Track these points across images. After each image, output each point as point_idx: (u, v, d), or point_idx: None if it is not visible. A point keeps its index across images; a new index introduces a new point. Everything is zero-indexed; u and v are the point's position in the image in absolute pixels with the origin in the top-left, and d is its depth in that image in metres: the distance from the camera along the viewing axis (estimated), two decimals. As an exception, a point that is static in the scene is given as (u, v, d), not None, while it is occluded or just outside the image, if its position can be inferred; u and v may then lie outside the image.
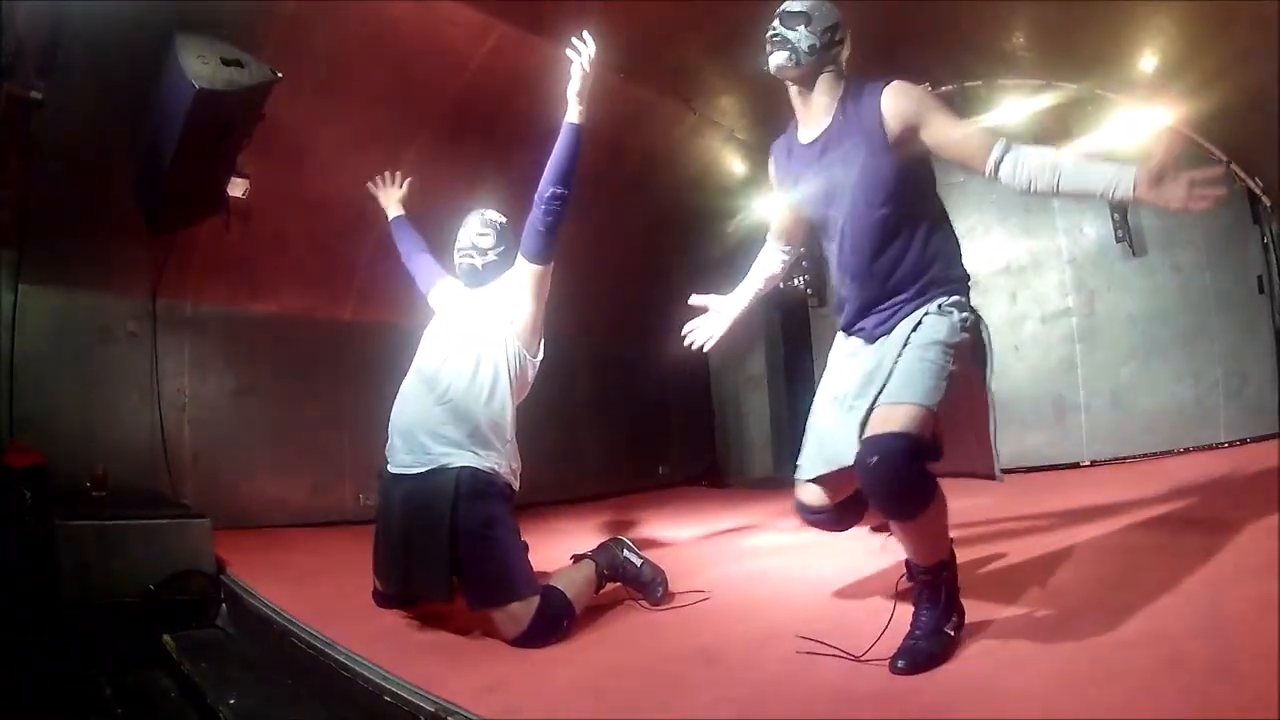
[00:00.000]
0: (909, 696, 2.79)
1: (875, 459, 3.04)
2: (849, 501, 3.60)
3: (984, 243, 8.95)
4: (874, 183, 3.32)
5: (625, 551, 4.44)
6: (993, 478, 3.75)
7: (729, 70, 7.76)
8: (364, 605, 4.34)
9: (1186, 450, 7.52)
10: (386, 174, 5.34)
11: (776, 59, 3.44)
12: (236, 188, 6.51)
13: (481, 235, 4.42)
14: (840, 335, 3.67)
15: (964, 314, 3.35)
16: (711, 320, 4.07)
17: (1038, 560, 4.32)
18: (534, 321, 4.19)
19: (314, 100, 6.71)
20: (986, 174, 3.20)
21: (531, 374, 4.27)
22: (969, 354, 3.38)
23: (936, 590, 3.22)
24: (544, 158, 3.95)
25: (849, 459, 3.26)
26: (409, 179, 5.34)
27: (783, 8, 3.51)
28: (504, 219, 4.53)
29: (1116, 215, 8.00)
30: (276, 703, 3.89)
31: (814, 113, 3.52)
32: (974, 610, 3.38)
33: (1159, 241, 7.94)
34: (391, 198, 5.27)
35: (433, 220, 4.80)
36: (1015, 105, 8.17)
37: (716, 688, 3.15)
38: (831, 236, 3.54)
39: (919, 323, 3.29)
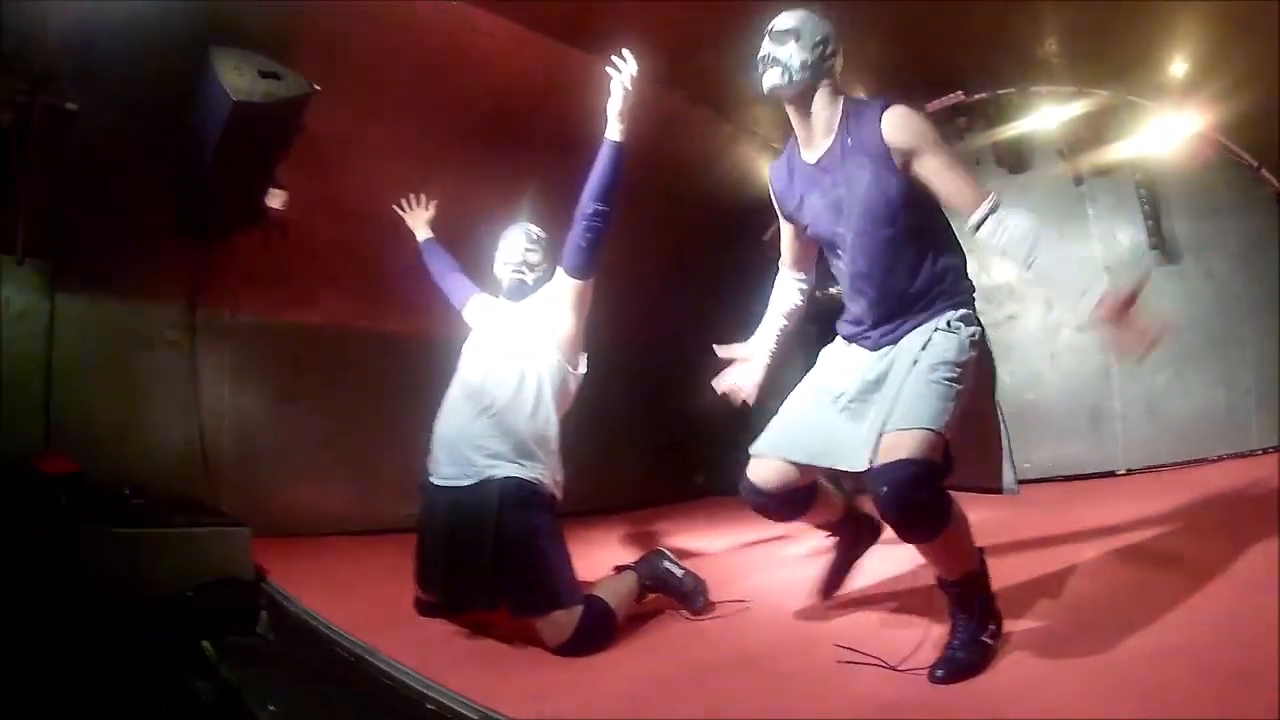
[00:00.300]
0: (946, 707, 2.81)
1: (887, 487, 3.03)
2: (797, 495, 3.67)
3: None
4: (880, 202, 3.32)
5: (666, 562, 4.46)
6: (999, 491, 3.56)
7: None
8: (405, 613, 4.34)
9: (1220, 458, 7.44)
10: (412, 197, 5.38)
11: (769, 79, 3.45)
12: (275, 199, 6.53)
13: (530, 250, 4.45)
14: (840, 341, 3.71)
15: (971, 329, 3.37)
16: (743, 371, 4.06)
17: (1072, 570, 4.31)
18: (575, 334, 4.21)
19: (351, 112, 6.74)
20: (968, 226, 3.25)
21: (574, 386, 4.29)
22: (975, 368, 3.35)
23: (970, 601, 3.23)
24: (580, 169, 3.96)
25: (825, 456, 3.42)
26: (435, 201, 5.38)
27: (771, 26, 3.51)
28: (537, 230, 4.57)
29: (1150, 222, 7.95)
30: (317, 710, 3.91)
31: (815, 131, 3.51)
32: (1009, 621, 3.39)
33: (1192, 248, 7.88)
34: (419, 220, 5.32)
35: (467, 232, 4.82)
36: (1048, 111, 8.14)
37: (757, 697, 3.18)
38: (840, 254, 3.56)
39: (928, 339, 3.29)
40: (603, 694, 3.38)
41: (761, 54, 3.47)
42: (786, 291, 4.01)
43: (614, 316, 5.11)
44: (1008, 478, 3.58)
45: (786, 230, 3.87)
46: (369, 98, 6.83)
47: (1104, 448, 8.23)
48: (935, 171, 3.25)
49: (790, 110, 3.53)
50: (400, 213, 5.37)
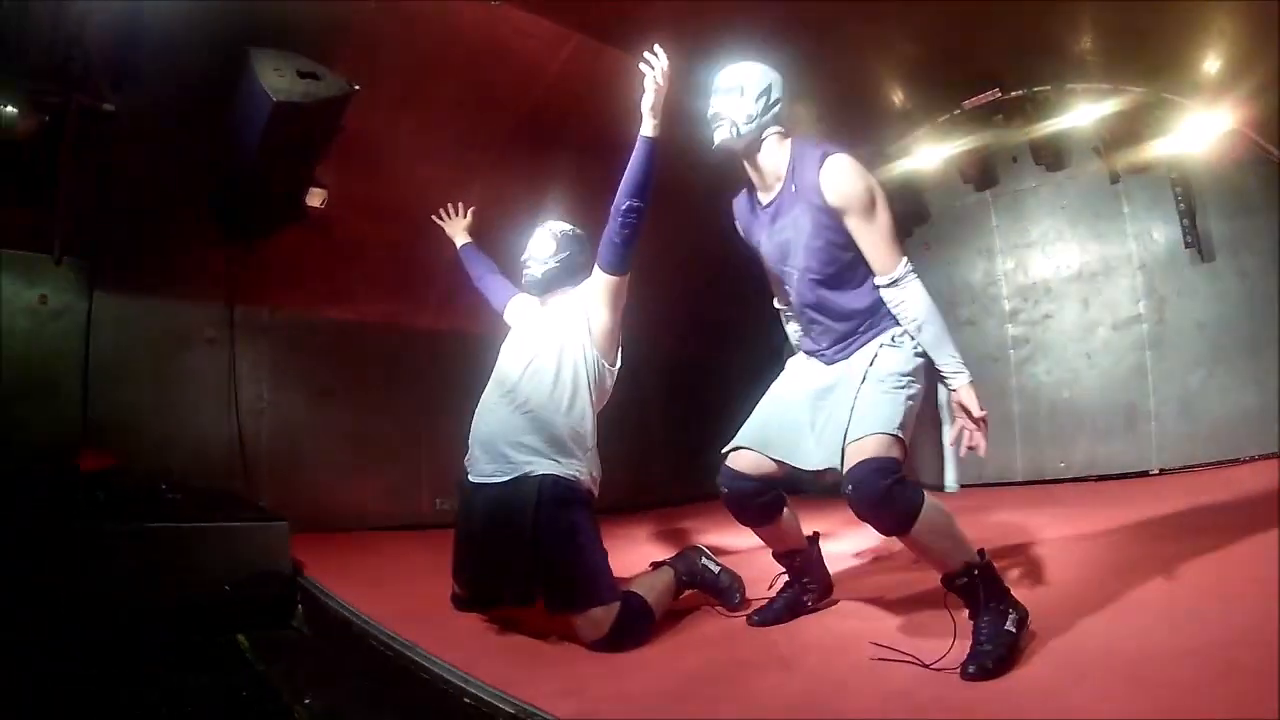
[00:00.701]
0: (975, 706, 2.81)
1: (852, 485, 3.29)
2: (767, 492, 3.93)
3: (1055, 249, 8.92)
4: (822, 244, 3.59)
5: (703, 559, 4.47)
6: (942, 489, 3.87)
7: (802, 78, 7.76)
8: (442, 608, 4.37)
9: (1252, 459, 7.41)
10: (449, 206, 5.40)
11: (718, 136, 3.68)
12: (315, 197, 6.60)
13: (540, 244, 4.46)
14: (800, 355, 3.99)
15: (914, 342, 3.56)
16: None
17: (1101, 571, 4.32)
18: (611, 330, 4.21)
19: (390, 111, 6.79)
20: (876, 285, 3.56)
21: (610, 382, 4.29)
22: (925, 372, 3.58)
23: (974, 593, 3.30)
24: (619, 167, 3.96)
25: (790, 455, 3.75)
26: (472, 208, 5.41)
27: (715, 85, 3.74)
28: (570, 228, 4.56)
29: (1185, 220, 7.92)
30: (353, 703, 3.92)
31: (765, 176, 3.76)
32: (1041, 619, 3.42)
33: (1226, 247, 7.85)
34: (457, 227, 5.35)
35: (509, 230, 4.84)
36: (1084, 109, 8.12)
37: (792, 693, 3.18)
38: (788, 288, 3.83)
39: (875, 355, 3.55)
40: (638, 689, 3.39)
41: (710, 112, 3.71)
42: (789, 326, 4.24)
43: (646, 315, 5.12)
44: (949, 477, 4.04)
45: (761, 265, 4.05)
46: (408, 97, 6.88)
47: (1138, 447, 8.22)
48: (858, 231, 3.52)
49: (742, 159, 3.79)
50: (439, 223, 5.40)
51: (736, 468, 3.89)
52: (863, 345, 3.62)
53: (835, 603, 4.35)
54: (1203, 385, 7.88)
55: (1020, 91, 8.32)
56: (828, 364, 3.74)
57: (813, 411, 3.71)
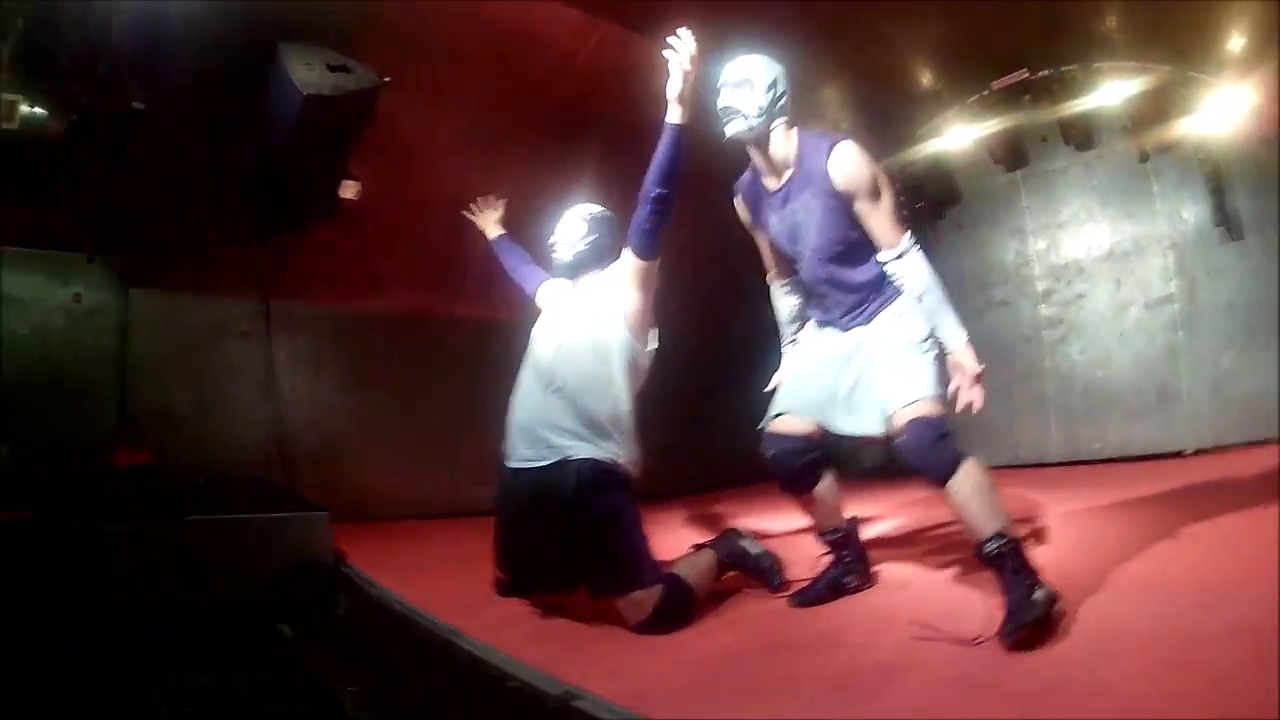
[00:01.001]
0: (1014, 681, 2.82)
1: (904, 439, 3.61)
2: (811, 455, 4.09)
3: (1086, 228, 8.86)
4: (831, 226, 3.83)
5: (743, 541, 4.47)
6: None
7: (828, 63, 7.75)
8: (485, 594, 4.40)
9: (1282, 439, 7.35)
10: (480, 199, 5.41)
11: (731, 129, 3.87)
12: (348, 190, 6.63)
13: (568, 227, 4.47)
14: (812, 325, 4.23)
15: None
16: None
17: (1138, 549, 4.30)
18: (643, 312, 4.21)
19: (421, 102, 6.81)
20: (881, 261, 3.80)
21: (645, 364, 4.29)
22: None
23: (1003, 561, 3.42)
24: (649, 154, 3.96)
25: (826, 418, 4.00)
26: (503, 199, 5.43)
27: (723, 80, 3.90)
28: (600, 210, 4.57)
29: (1214, 198, 7.87)
30: (397, 691, 3.96)
31: (775, 166, 3.95)
32: (1078, 598, 3.49)
33: (1255, 225, 7.78)
34: (489, 220, 5.36)
35: (542, 218, 4.84)
36: (1112, 88, 8.07)
37: (834, 672, 3.19)
38: (800, 266, 4.07)
39: (893, 324, 3.84)
40: (683, 669, 3.41)
41: (721, 105, 3.88)
42: (782, 301, 4.45)
43: (677, 299, 5.13)
44: None
45: (761, 243, 4.32)
46: (438, 89, 6.91)
47: (1171, 428, 8.19)
48: (864, 212, 3.76)
49: (751, 149, 3.98)
50: (470, 217, 5.41)
51: (778, 431, 4.07)
52: (875, 313, 3.89)
53: (875, 584, 4.36)
54: (1234, 365, 7.83)
55: (1048, 72, 8.29)
56: (843, 331, 3.99)
57: (835, 378, 3.97)
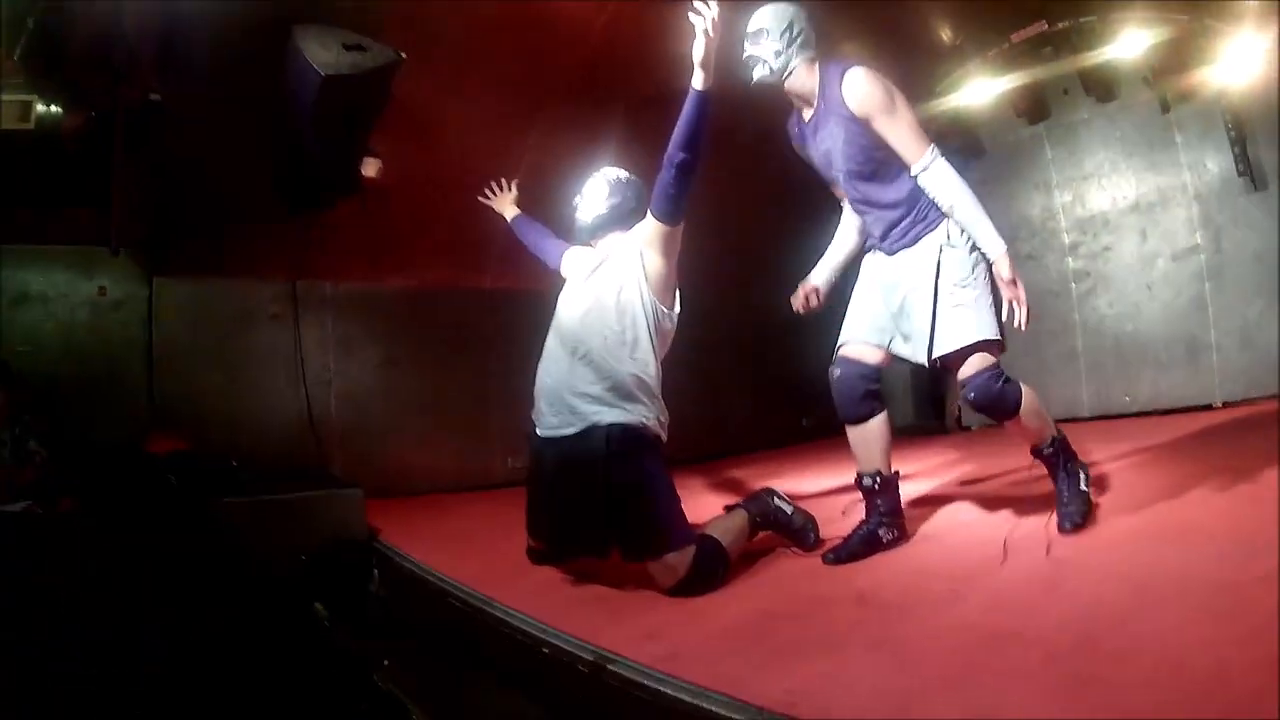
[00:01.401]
0: (1054, 632, 2.80)
1: (973, 393, 3.94)
2: (876, 380, 4.24)
3: (1111, 180, 8.75)
4: (857, 148, 4.01)
5: (776, 500, 4.45)
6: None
7: (847, 21, 7.68)
8: (518, 564, 4.38)
9: (1311, 390, 7.28)
10: (493, 184, 5.41)
11: (756, 75, 4.11)
12: (370, 168, 6.64)
13: (591, 190, 4.45)
14: (869, 254, 4.37)
15: (965, 236, 3.95)
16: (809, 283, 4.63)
17: (1173, 499, 4.31)
18: (667, 276, 4.16)
19: (440, 77, 6.79)
20: (912, 174, 3.93)
21: (670, 327, 4.24)
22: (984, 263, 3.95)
23: (1056, 459, 4.14)
24: (672, 121, 3.94)
25: (882, 338, 4.18)
26: (515, 181, 5.43)
27: (745, 30, 4.13)
28: (623, 173, 4.52)
29: (1236, 148, 7.77)
30: (431, 663, 4.01)
31: (804, 99, 4.17)
32: (1114, 547, 3.63)
33: (1278, 174, 7.69)
34: (504, 202, 5.36)
35: (565, 191, 4.82)
36: (1131, 38, 7.96)
37: (871, 629, 3.19)
38: (841, 191, 4.35)
39: (938, 261, 3.96)
40: (718, 630, 3.41)
41: (745, 55, 4.13)
42: (844, 224, 4.61)
43: (715, 261, 5.11)
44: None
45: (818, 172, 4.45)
46: (455, 65, 6.88)
47: (1200, 381, 8.12)
48: (885, 131, 3.90)
49: (783, 88, 4.16)
50: (486, 202, 5.41)
51: (845, 355, 4.24)
52: (919, 236, 4.04)
53: (909, 539, 4.35)
54: (1261, 316, 7.73)
55: (1067, 23, 8.19)
56: (889, 255, 4.17)
57: (886, 305, 4.17)
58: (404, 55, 5.89)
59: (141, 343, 6.76)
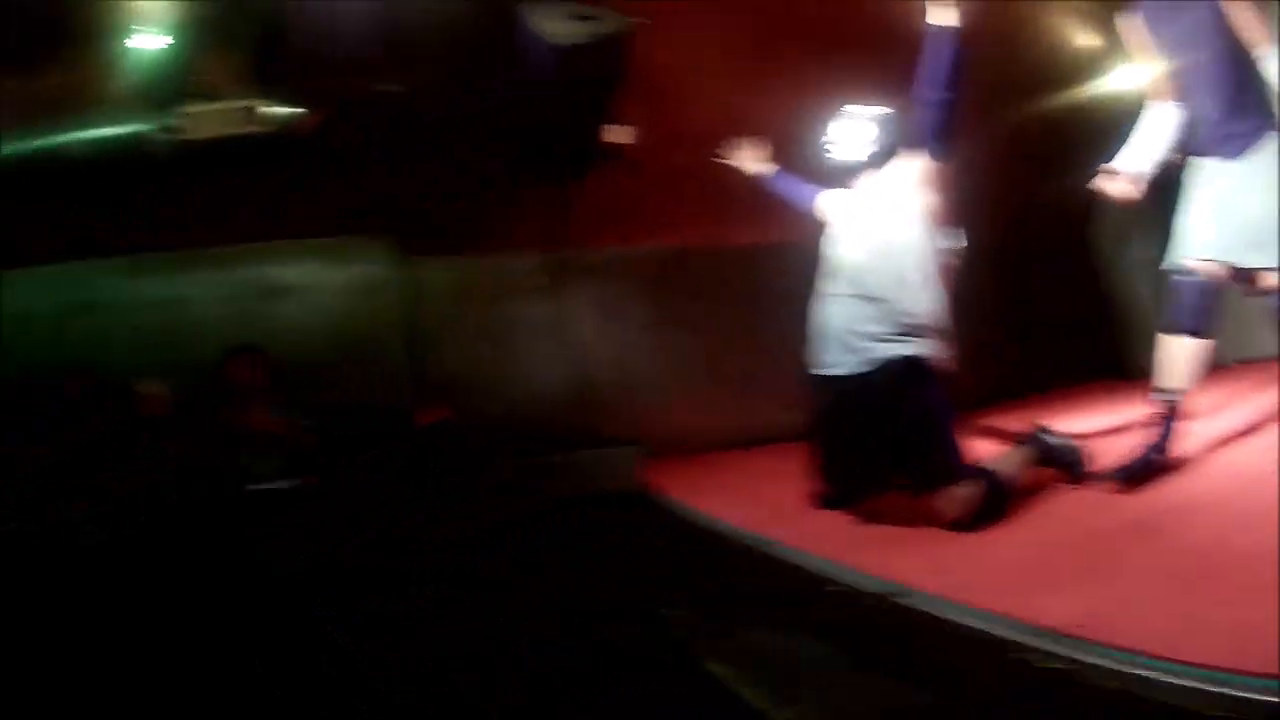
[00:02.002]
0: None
1: None
2: (1217, 293, 4.11)
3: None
4: (1202, 32, 3.89)
5: (1051, 436, 4.46)
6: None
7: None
8: (797, 512, 4.50)
9: None
10: (729, 147, 5.40)
11: None
12: (617, 133, 6.75)
13: (843, 130, 4.40)
14: (1198, 160, 4.15)
15: None
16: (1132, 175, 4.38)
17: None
18: (939, 211, 4.15)
19: (675, 36, 6.74)
20: (1254, 57, 3.76)
21: (950, 260, 4.23)
22: None
23: None
24: (914, 56, 3.95)
25: (1221, 251, 3.97)
26: (756, 137, 5.35)
27: None
28: (875, 110, 4.40)
29: None
30: (714, 609, 3.99)
31: None
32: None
33: None
34: (748, 159, 5.32)
35: (812, 133, 4.81)
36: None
37: (1150, 557, 3.18)
38: (1181, 79, 4.11)
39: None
40: (1003, 563, 3.44)
41: None
42: (1158, 124, 4.31)
43: (971, 202, 5.05)
44: None
45: (1150, 62, 4.29)
46: (690, 17, 6.87)
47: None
48: (1234, 11, 3.77)
49: None
50: (728, 164, 5.41)
51: (1184, 268, 4.11)
52: (1253, 145, 3.87)
53: (1187, 467, 4.27)
54: None
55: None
56: (1233, 159, 3.96)
57: (1234, 212, 3.94)
58: (641, 20, 5.97)
59: (399, 323, 7.17)
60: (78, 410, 5.70)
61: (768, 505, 4.91)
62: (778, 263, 6.47)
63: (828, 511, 4.42)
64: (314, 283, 6.89)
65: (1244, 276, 3.99)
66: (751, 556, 4.17)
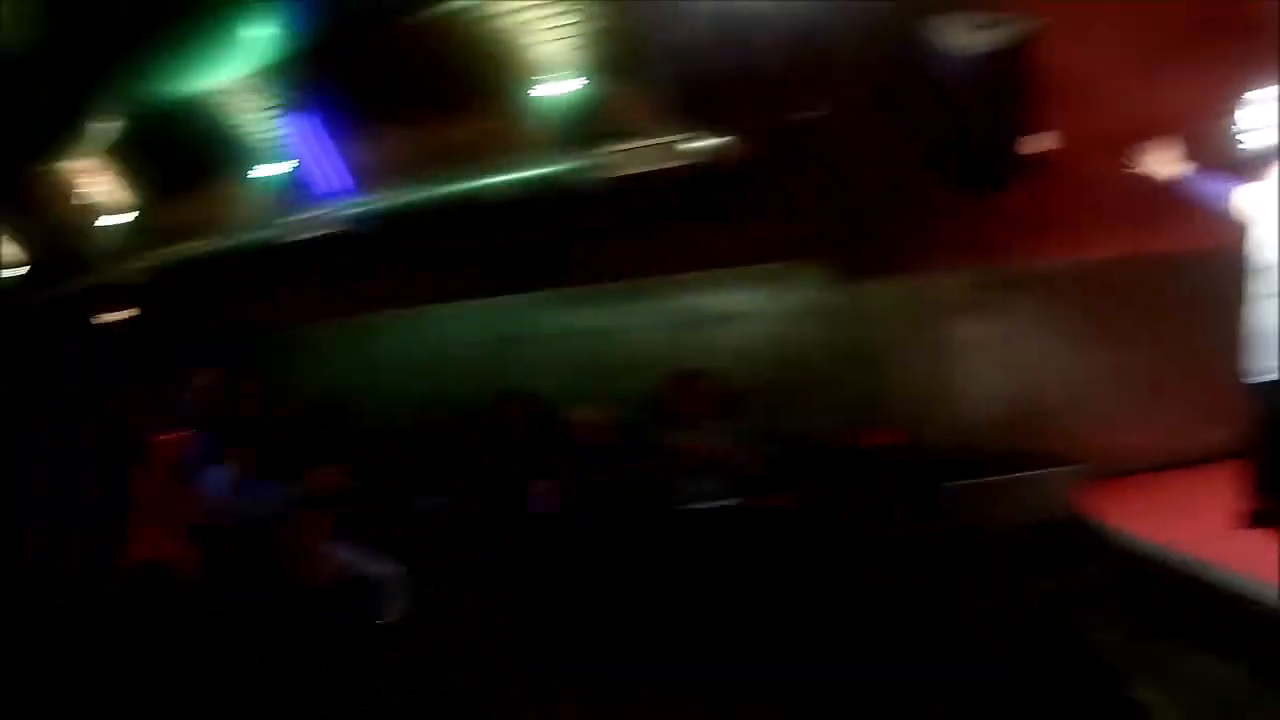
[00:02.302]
0: None
1: None
2: None
3: None
4: None
5: None
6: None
7: None
8: (1234, 530, 4.23)
9: None
10: (1140, 152, 4.98)
11: None
12: (1037, 141, 6.51)
13: (1255, 116, 4.09)
14: None
15: None
16: None
17: None
18: None
19: (1085, 39, 6.47)
20: None
21: None
22: None
23: None
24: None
25: None
26: (1163, 138, 4.89)
27: None
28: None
29: None
30: (1148, 634, 3.97)
31: None
32: None
33: None
34: (1162, 163, 4.86)
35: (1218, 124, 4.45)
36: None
37: None
38: None
39: None
40: None
41: None
42: None
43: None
44: None
45: None
46: (1097, 19, 6.55)
47: None
48: None
49: None
50: (1140, 171, 5.00)
51: None
52: None
53: None
54: None
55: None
56: None
57: None
58: (1043, 21, 5.74)
59: (848, 345, 7.20)
60: (514, 433, 6.16)
61: (1204, 525, 4.57)
62: (1205, 269, 5.98)
63: (1264, 530, 4.08)
64: (754, 309, 7.09)
65: None
66: (1187, 581, 3.87)
